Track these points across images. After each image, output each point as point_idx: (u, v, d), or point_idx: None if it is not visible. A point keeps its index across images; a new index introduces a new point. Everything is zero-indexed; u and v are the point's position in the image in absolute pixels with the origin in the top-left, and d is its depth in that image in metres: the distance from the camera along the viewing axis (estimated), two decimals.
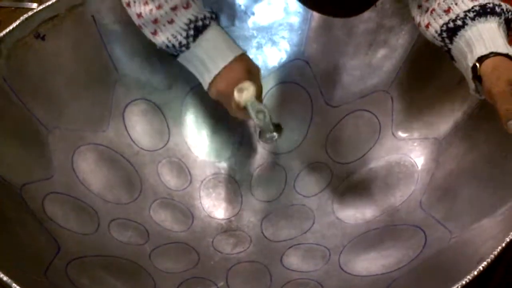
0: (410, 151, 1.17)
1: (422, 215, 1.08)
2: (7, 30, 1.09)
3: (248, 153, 1.22)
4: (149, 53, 1.20)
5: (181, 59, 1.10)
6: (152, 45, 1.12)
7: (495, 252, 0.83)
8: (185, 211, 1.20)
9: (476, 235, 0.94)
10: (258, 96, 1.07)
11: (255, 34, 1.29)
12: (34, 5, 1.73)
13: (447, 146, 1.12)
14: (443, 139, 1.13)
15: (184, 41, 1.06)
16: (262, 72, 1.27)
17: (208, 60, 1.08)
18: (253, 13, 1.28)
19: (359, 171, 1.21)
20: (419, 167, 1.15)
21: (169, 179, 1.22)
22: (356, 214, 1.16)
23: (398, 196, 1.14)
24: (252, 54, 1.29)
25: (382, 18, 1.21)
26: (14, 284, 0.83)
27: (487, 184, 1.01)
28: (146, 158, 1.22)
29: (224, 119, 1.22)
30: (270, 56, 1.30)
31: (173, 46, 1.07)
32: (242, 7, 1.27)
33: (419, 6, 1.03)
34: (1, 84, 1.07)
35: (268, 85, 1.29)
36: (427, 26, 1.01)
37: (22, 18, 1.10)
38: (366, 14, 1.22)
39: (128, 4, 1.06)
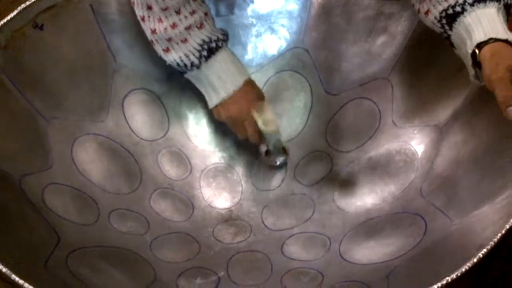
0: (410, 139, 1.16)
1: (422, 203, 1.07)
2: (5, 20, 1.08)
3: (247, 142, 1.22)
4: (148, 43, 1.19)
5: (188, 76, 1.12)
6: None
7: (495, 239, 0.83)
8: (186, 201, 1.20)
9: (476, 223, 0.93)
10: None
11: (254, 22, 1.28)
12: None
13: (447, 133, 1.11)
14: (444, 126, 1.12)
15: (196, 61, 1.08)
16: (262, 60, 1.29)
17: (218, 82, 1.11)
18: (252, 1, 1.28)
19: (359, 160, 1.20)
20: (419, 155, 1.14)
21: (169, 169, 1.22)
22: (357, 202, 1.16)
23: (398, 184, 1.14)
24: (252, 42, 1.29)
25: (382, 5, 1.20)
26: (13, 276, 0.83)
27: (487, 171, 1.00)
28: (145, 148, 1.22)
29: None
30: (269, 44, 1.29)
31: (185, 65, 1.08)
32: None
33: None
34: None
35: (268, 73, 1.29)
36: (426, 13, 1.01)
37: (20, 8, 1.10)
38: (366, 1, 1.21)
39: (143, 19, 1.07)
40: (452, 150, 1.09)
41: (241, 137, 1.18)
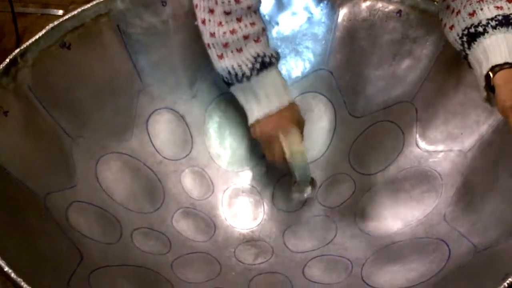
0: (434, 163, 1.16)
1: (446, 228, 1.07)
2: (33, 39, 1.09)
3: (273, 166, 1.21)
4: (173, 63, 1.21)
5: (234, 88, 1.10)
6: (176, 55, 1.12)
7: None
8: (207, 220, 1.20)
9: (501, 251, 0.93)
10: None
11: (279, 44, 1.29)
12: (60, 11, 1.75)
13: (472, 158, 1.11)
14: (468, 152, 1.12)
15: (248, 72, 1.07)
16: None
17: (264, 97, 1.09)
18: (277, 23, 1.28)
19: (382, 183, 1.20)
20: (443, 180, 1.13)
21: (192, 188, 1.22)
22: (379, 226, 1.15)
23: (421, 208, 1.13)
24: None
25: (407, 29, 1.20)
26: None
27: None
28: (169, 167, 1.22)
29: (247, 129, 1.20)
30: (293, 66, 1.29)
31: (236, 74, 1.08)
32: (266, 17, 1.27)
33: (448, 7, 1.03)
34: (26, 92, 1.08)
35: (292, 95, 1.28)
36: (451, 28, 1.02)
37: (48, 27, 1.11)
38: (391, 25, 1.21)
39: (203, 22, 1.07)
40: (476, 175, 1.08)
41: (269, 159, 1.16)
